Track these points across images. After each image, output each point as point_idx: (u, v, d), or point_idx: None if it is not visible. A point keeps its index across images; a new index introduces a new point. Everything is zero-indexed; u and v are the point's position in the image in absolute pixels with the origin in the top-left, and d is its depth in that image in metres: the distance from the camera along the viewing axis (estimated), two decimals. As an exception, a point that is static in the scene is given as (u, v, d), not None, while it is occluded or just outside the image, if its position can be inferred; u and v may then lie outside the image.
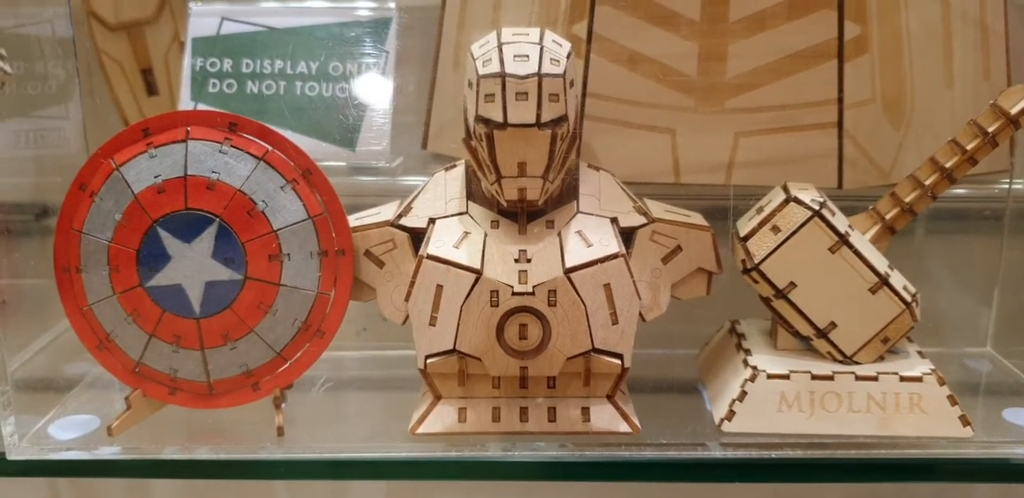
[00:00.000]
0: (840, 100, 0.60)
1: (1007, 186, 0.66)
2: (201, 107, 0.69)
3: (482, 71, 0.51)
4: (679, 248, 0.56)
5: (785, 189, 0.56)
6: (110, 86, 0.83)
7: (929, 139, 0.64)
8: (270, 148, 0.55)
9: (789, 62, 0.60)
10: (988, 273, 0.68)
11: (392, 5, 0.69)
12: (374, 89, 0.68)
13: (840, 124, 0.61)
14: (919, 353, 0.57)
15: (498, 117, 0.50)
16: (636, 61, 0.62)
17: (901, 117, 0.63)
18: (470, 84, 0.52)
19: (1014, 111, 0.54)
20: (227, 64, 0.69)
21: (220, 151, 0.55)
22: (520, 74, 0.50)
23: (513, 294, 0.52)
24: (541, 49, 0.51)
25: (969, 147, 0.55)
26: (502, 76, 0.50)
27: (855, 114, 0.61)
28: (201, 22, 0.70)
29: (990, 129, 0.54)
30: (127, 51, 0.83)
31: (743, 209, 0.61)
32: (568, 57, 0.52)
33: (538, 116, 0.50)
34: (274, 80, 0.69)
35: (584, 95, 0.62)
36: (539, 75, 0.50)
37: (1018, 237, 0.67)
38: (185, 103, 0.69)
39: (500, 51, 0.51)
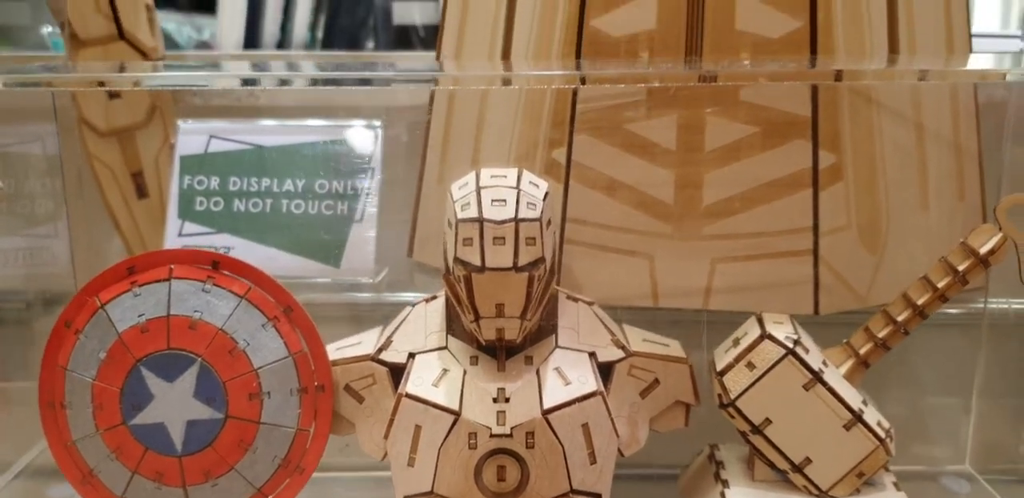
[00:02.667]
0: (815, 228, 0.61)
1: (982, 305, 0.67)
2: (188, 225, 0.70)
3: (461, 215, 0.52)
4: (657, 381, 0.57)
5: (760, 322, 0.57)
6: (101, 189, 0.85)
7: (905, 261, 0.65)
8: (252, 286, 0.56)
9: (764, 190, 0.61)
10: (964, 386, 0.69)
11: (378, 123, 0.71)
12: (359, 206, 0.70)
13: (815, 252, 0.61)
14: (895, 485, 0.57)
15: (476, 261, 0.51)
16: (614, 188, 0.63)
17: (877, 241, 0.64)
18: (449, 224, 0.53)
19: (983, 251, 0.55)
20: (214, 182, 0.70)
21: (203, 290, 0.55)
22: (497, 219, 0.51)
23: (491, 436, 0.52)
24: (518, 193, 0.53)
25: (940, 285, 0.55)
26: (480, 221, 0.51)
27: (830, 241, 0.62)
28: (189, 140, 0.71)
29: (960, 268, 0.55)
30: (117, 155, 0.85)
31: (720, 330, 0.62)
32: (545, 198, 0.53)
33: (515, 261, 0.51)
34: (261, 198, 0.70)
35: (564, 220, 0.64)
36: (516, 220, 0.51)
37: (994, 354, 0.68)
38: (172, 221, 0.70)
39: (478, 195, 0.52)
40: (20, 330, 0.76)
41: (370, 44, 1.20)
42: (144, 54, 0.85)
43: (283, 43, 1.09)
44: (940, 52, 0.65)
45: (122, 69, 0.66)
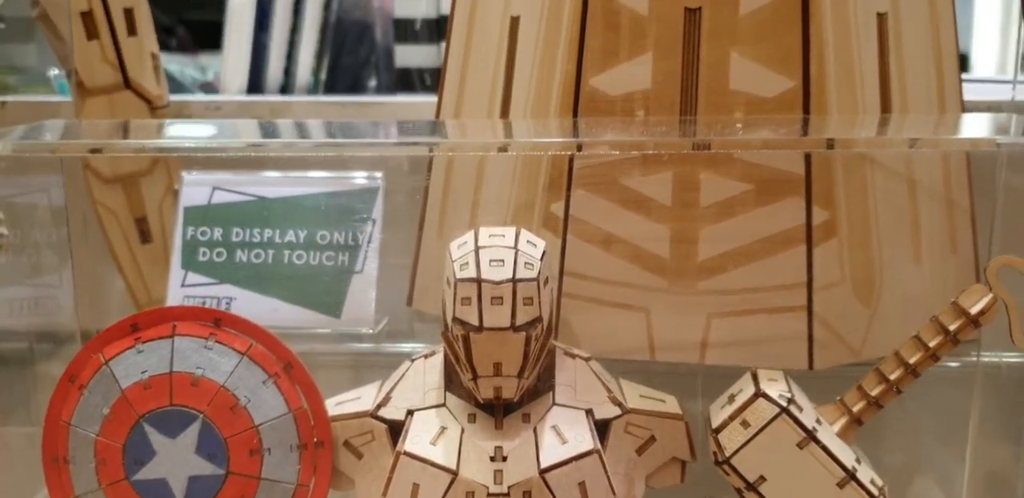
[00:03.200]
0: (809, 284, 0.62)
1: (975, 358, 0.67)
2: (191, 276, 0.71)
3: (459, 275, 0.53)
4: (653, 438, 0.58)
5: (755, 379, 0.58)
6: (105, 234, 0.86)
7: (899, 314, 0.65)
8: (253, 342, 0.57)
9: (758, 246, 0.62)
10: (959, 437, 0.70)
11: (379, 175, 0.72)
12: (360, 257, 0.70)
13: (810, 308, 0.62)
14: (890, 540, 0.58)
15: (474, 321, 0.52)
16: (611, 242, 0.64)
17: (870, 295, 0.65)
18: (448, 282, 0.54)
19: (974, 311, 0.55)
20: (217, 233, 0.71)
21: (205, 346, 0.56)
22: (495, 279, 0.52)
23: (489, 495, 0.53)
24: (516, 253, 0.53)
25: (932, 344, 0.56)
26: (478, 281, 0.52)
27: (824, 296, 0.63)
28: (193, 192, 0.72)
29: (951, 327, 0.56)
30: (122, 201, 0.86)
31: (717, 381, 0.62)
32: (542, 257, 0.54)
33: (513, 320, 0.52)
34: (263, 249, 0.71)
35: (562, 273, 0.64)
36: (514, 280, 0.52)
37: (988, 406, 0.68)
38: (176, 272, 0.71)
39: (477, 255, 0.53)
40: (23, 375, 0.77)
41: (372, 82, 1.22)
42: (149, 101, 0.87)
43: (287, 86, 1.11)
44: (933, 110, 0.66)
45: (125, 133, 0.67)
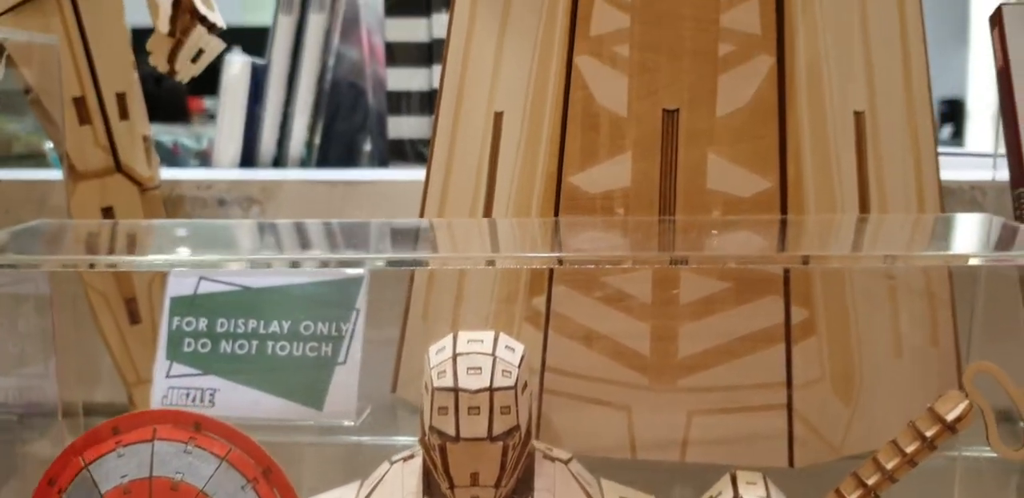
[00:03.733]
0: (789, 382, 0.63)
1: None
2: (176, 366, 0.71)
3: (436, 383, 0.53)
4: (632, 542, 0.58)
5: (733, 482, 0.58)
6: (94, 316, 0.86)
7: (880, 409, 0.66)
8: (232, 447, 0.57)
9: (738, 345, 0.63)
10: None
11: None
12: (343, 348, 0.71)
13: (789, 406, 0.63)
14: None
15: (451, 431, 0.52)
16: (592, 338, 0.64)
17: (851, 392, 0.65)
18: (426, 388, 0.55)
19: (950, 418, 0.55)
20: (203, 323, 0.72)
21: (185, 451, 0.56)
22: (472, 389, 0.52)
23: None
24: (494, 361, 0.54)
25: (908, 450, 0.56)
26: (455, 391, 0.52)
27: (804, 394, 0.63)
28: (180, 281, 0.73)
29: (928, 434, 0.56)
30: (112, 283, 0.87)
31: (697, 478, 0.62)
32: (520, 363, 0.55)
33: (490, 431, 0.52)
34: (247, 339, 0.71)
35: (543, 369, 0.65)
36: (491, 390, 0.53)
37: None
38: (161, 363, 0.71)
39: (454, 362, 0.54)
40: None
41: (367, 147, 1.23)
42: (140, 184, 0.88)
43: (280, 158, 1.12)
44: (912, 207, 0.67)
45: (111, 248, 0.68)
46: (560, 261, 0.56)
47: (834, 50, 0.63)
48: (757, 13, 0.62)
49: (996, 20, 0.72)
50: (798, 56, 0.62)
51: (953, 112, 4.54)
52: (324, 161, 1.14)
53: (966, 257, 0.52)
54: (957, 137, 4.40)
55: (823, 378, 0.64)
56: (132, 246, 0.69)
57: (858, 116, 0.65)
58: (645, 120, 0.63)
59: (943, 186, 0.72)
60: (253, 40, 1.20)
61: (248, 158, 1.11)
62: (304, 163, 1.13)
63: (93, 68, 0.83)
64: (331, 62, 1.12)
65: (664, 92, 0.63)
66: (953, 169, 0.81)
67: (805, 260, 0.53)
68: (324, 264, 0.63)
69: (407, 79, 1.16)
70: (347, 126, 1.19)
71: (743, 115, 0.62)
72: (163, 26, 0.79)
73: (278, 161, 1.12)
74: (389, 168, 1.18)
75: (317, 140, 1.12)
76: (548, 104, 0.65)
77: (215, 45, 0.82)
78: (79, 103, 0.83)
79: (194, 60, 0.82)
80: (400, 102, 1.17)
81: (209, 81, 1.08)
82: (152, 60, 0.82)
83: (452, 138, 0.72)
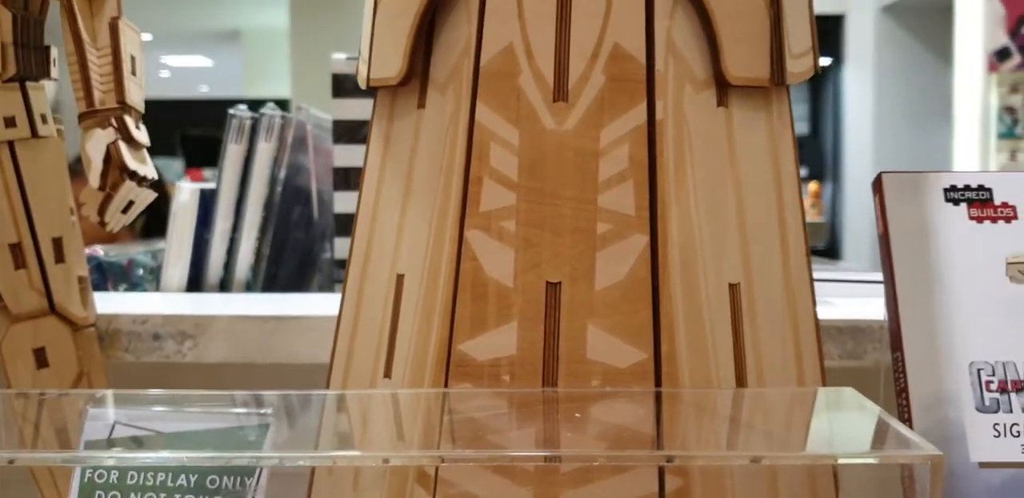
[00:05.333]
0: (664, 550, 0.65)
1: None
2: (85, 520, 0.73)
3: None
4: None
5: None
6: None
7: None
8: None
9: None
10: None
11: (269, 411, 0.75)
12: (248, 501, 0.73)
13: (664, 574, 0.64)
14: None
15: None
16: (478, 503, 0.67)
17: (728, 556, 0.67)
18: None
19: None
20: (114, 476, 0.74)
21: None
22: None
23: None
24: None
25: None
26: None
27: (680, 561, 0.65)
28: (95, 426, 0.75)
29: None
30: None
31: None
32: None
33: None
34: (155, 493, 0.73)
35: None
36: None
37: None
38: (70, 518, 0.73)
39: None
40: None
41: (325, 255, 1.27)
42: (74, 324, 0.91)
43: (225, 282, 1.16)
44: (790, 379, 0.69)
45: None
46: (442, 459, 0.59)
47: (708, 227, 0.67)
48: (632, 195, 0.66)
49: (877, 187, 0.76)
50: (671, 234, 0.66)
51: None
52: (271, 284, 1.17)
53: (833, 457, 0.54)
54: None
55: (701, 544, 0.66)
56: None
57: (733, 288, 0.68)
58: (529, 291, 0.66)
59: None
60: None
61: (195, 281, 1.15)
62: (250, 286, 1.16)
63: (30, 214, 0.87)
64: (279, 188, 1.17)
65: (547, 265, 0.66)
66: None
67: (670, 459, 0.56)
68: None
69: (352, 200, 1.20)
70: (294, 250, 1.23)
71: (619, 290, 0.65)
72: (93, 181, 0.83)
73: (224, 284, 1.16)
74: (335, 291, 1.21)
75: (263, 264, 1.16)
76: (442, 272, 0.69)
77: (145, 196, 0.86)
78: (14, 248, 0.87)
79: (125, 210, 0.86)
80: (349, 224, 1.21)
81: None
82: (84, 210, 0.86)
83: (359, 296, 0.75)
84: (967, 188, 0.75)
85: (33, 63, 0.87)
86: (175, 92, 12.48)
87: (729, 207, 0.68)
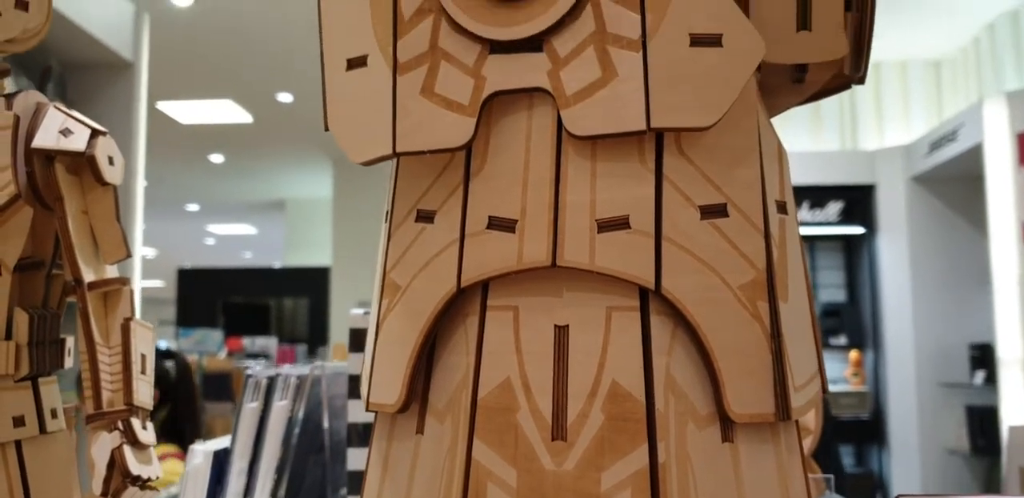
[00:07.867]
0: None
1: None
2: None
3: None
4: None
5: None
6: None
7: None
8: None
9: None
10: None
11: None
12: None
13: None
14: None
15: None
16: None
17: None
18: None
19: None
20: None
21: None
22: None
23: None
24: None
25: None
26: None
27: None
28: None
29: None
30: None
31: None
32: None
33: None
34: None
35: None
36: None
37: None
38: None
39: None
40: None
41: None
42: None
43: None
44: None
45: None
46: None
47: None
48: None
49: None
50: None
51: (984, 357, 4.48)
52: (281, 549, 1.14)
53: None
54: (990, 382, 4.31)
55: None
56: None
57: None
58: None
59: None
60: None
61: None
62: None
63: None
64: (292, 446, 1.15)
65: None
66: None
67: None
68: None
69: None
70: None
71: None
72: (96, 488, 0.82)
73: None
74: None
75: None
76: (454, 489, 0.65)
77: (149, 497, 0.85)
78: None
79: None
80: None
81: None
82: (91, 512, 0.84)
83: None
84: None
85: (47, 359, 0.88)
86: (219, 259, 12.75)
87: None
